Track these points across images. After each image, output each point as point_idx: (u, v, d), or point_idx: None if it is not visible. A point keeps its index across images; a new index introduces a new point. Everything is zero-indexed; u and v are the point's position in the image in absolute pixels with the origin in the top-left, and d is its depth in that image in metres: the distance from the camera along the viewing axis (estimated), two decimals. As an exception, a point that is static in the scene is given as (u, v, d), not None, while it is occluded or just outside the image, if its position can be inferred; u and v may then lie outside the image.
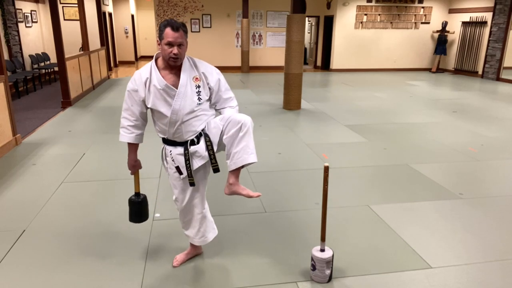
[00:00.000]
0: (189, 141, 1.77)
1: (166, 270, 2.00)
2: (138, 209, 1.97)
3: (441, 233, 2.39)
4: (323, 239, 1.89)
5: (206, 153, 1.76)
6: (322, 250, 1.89)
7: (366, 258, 2.11)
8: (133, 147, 1.88)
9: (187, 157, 1.76)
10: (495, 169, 3.52)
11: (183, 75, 1.71)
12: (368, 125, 5.00)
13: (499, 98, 7.06)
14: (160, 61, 1.74)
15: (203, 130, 1.78)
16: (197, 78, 1.74)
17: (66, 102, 5.92)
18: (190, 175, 1.78)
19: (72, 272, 1.98)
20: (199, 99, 1.73)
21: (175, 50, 1.64)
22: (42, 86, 7.60)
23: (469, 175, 3.37)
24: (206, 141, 1.75)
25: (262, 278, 1.94)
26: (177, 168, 1.81)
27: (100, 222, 2.48)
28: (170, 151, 1.82)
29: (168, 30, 1.63)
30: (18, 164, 3.49)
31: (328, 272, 1.90)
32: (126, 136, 1.81)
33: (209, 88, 1.77)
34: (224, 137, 1.71)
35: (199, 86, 1.74)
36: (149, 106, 1.74)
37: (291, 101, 5.85)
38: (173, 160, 1.82)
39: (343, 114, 5.57)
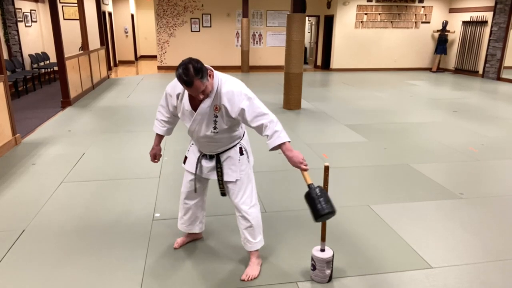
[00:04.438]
0: (202, 153, 1.90)
1: (166, 269, 2.00)
2: (317, 202, 1.61)
3: (442, 233, 2.38)
4: (323, 239, 1.89)
5: (215, 175, 1.89)
6: (322, 250, 1.89)
7: (366, 258, 2.11)
8: (158, 137, 2.01)
9: (197, 165, 1.91)
10: (496, 169, 3.51)
11: (204, 103, 1.69)
12: (368, 124, 4.99)
13: (499, 97, 7.05)
14: None
15: (219, 154, 1.85)
16: (216, 108, 1.70)
17: (66, 101, 5.91)
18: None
19: (72, 272, 1.97)
20: (215, 127, 1.73)
21: (199, 96, 1.65)
22: (41, 86, 7.59)
23: (470, 175, 3.37)
24: (216, 168, 1.87)
25: (262, 278, 1.93)
26: (185, 157, 1.99)
27: (100, 221, 2.48)
28: (192, 144, 1.97)
29: (184, 86, 1.61)
30: (18, 164, 3.48)
31: (328, 272, 1.89)
32: (158, 128, 1.96)
33: (233, 118, 1.70)
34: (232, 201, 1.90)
35: (216, 116, 1.71)
36: (178, 115, 1.86)
37: (291, 101, 5.84)
38: (188, 150, 1.99)
39: (343, 114, 5.56)
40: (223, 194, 1.93)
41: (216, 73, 1.71)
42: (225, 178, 1.87)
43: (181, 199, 2.07)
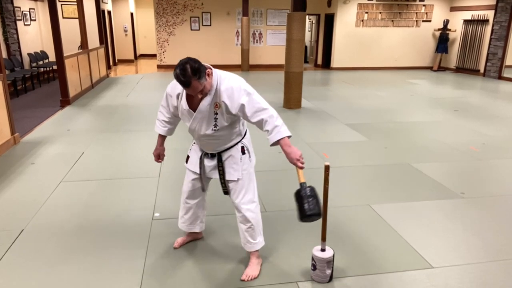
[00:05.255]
0: (204, 152, 1.89)
1: (165, 269, 1.99)
2: (304, 202, 1.61)
3: (443, 233, 2.37)
4: (323, 238, 1.87)
5: (216, 174, 1.89)
6: (323, 250, 1.88)
7: (367, 258, 2.10)
8: (161, 137, 2.03)
9: (201, 165, 1.90)
10: (497, 168, 3.50)
11: (204, 101, 1.69)
12: (369, 124, 4.97)
13: (500, 96, 7.03)
14: None
15: (221, 153, 1.84)
16: (216, 105, 1.69)
17: (65, 100, 5.90)
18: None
19: (71, 272, 1.96)
20: (215, 125, 1.73)
21: (198, 96, 1.66)
22: (40, 85, 7.57)
23: (471, 175, 3.35)
24: (219, 167, 1.86)
25: (262, 278, 1.92)
26: (188, 156, 1.99)
27: (99, 221, 2.46)
28: (194, 143, 1.97)
29: (182, 86, 1.61)
30: (17, 164, 3.47)
31: (328, 272, 1.88)
32: (160, 128, 1.97)
33: (233, 114, 1.70)
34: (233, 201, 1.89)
35: (216, 113, 1.71)
36: (178, 115, 1.85)
37: (292, 100, 5.82)
38: (190, 149, 1.99)
39: (344, 113, 5.55)
40: (226, 192, 1.92)
41: (215, 71, 1.71)
42: (227, 177, 1.86)
43: (182, 198, 2.06)
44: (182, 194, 2.05)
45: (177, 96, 1.79)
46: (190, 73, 1.55)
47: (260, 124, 1.67)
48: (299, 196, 1.64)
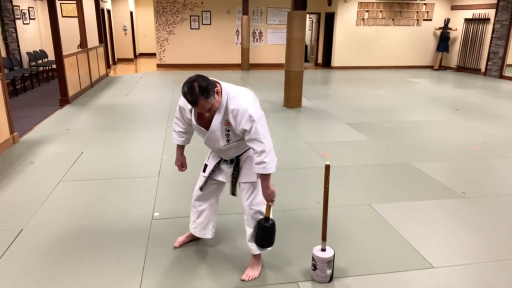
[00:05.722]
0: (222, 159, 1.91)
1: (165, 269, 1.98)
2: (264, 233, 1.85)
3: (444, 233, 2.36)
4: (324, 238, 1.86)
5: (230, 177, 1.90)
6: (323, 250, 1.87)
7: (367, 258, 2.09)
8: (180, 148, 2.05)
9: (214, 168, 1.93)
10: (498, 167, 3.48)
11: (215, 120, 1.70)
12: (370, 123, 4.96)
13: (502, 95, 7.02)
14: None
15: (239, 157, 1.86)
16: (227, 122, 1.71)
17: (64, 100, 5.88)
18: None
19: (71, 272, 1.95)
20: (228, 140, 1.76)
21: (205, 114, 1.68)
22: (40, 84, 7.55)
23: (472, 174, 3.34)
24: (233, 170, 1.87)
25: (262, 278, 1.91)
26: (205, 165, 1.99)
27: (98, 221, 2.45)
28: (211, 152, 1.97)
29: (190, 104, 1.61)
30: (16, 163, 3.46)
31: (329, 272, 1.87)
32: (177, 139, 1.99)
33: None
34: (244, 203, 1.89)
35: (229, 130, 1.73)
36: (192, 126, 1.86)
37: (292, 99, 5.81)
38: (208, 158, 1.99)
39: (344, 112, 5.53)
40: (233, 193, 1.92)
41: (225, 88, 1.68)
42: (246, 180, 1.86)
43: (192, 203, 2.06)
44: (193, 198, 2.05)
45: (190, 110, 1.79)
46: (198, 92, 1.55)
47: (251, 149, 1.74)
48: (264, 228, 1.83)
